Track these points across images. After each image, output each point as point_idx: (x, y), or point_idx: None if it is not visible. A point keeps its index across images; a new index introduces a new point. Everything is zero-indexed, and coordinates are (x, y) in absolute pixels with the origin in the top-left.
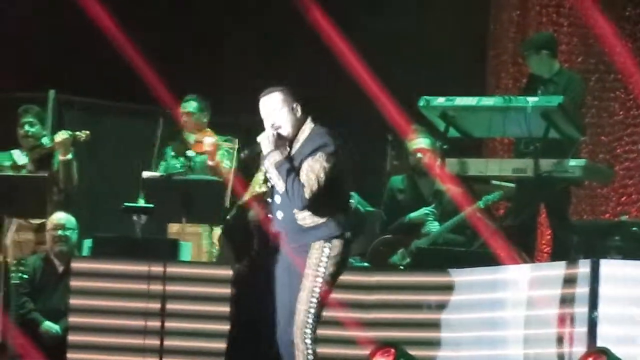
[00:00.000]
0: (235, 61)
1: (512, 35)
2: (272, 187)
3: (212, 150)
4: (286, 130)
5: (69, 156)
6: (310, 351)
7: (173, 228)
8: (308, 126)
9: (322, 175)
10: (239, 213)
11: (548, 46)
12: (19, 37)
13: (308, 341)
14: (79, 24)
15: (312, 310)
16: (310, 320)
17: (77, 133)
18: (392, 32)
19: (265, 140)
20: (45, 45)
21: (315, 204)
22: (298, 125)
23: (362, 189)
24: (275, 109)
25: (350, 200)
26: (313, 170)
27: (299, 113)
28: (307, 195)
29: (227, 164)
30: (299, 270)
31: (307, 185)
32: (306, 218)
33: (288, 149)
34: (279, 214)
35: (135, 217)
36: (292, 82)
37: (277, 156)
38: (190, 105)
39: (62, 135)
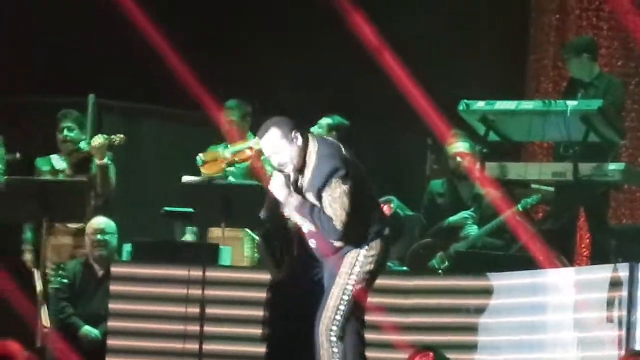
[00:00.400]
0: (271, 64)
1: (552, 40)
2: None
3: (256, 155)
4: (293, 162)
5: (106, 160)
6: (335, 350)
7: (214, 233)
8: (313, 149)
9: (345, 200)
10: (278, 220)
11: (589, 50)
12: (58, 42)
13: (334, 339)
14: (119, 29)
15: (342, 308)
16: (338, 318)
17: (113, 137)
18: (432, 34)
19: (277, 189)
20: (84, 50)
21: (348, 230)
22: (303, 153)
23: (402, 193)
24: (275, 148)
25: (375, 197)
26: (335, 201)
27: (299, 141)
28: (338, 226)
29: (269, 169)
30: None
31: (335, 217)
32: (343, 242)
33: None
34: (312, 243)
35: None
36: (329, 89)
37: (294, 201)
38: (233, 113)
39: (98, 140)
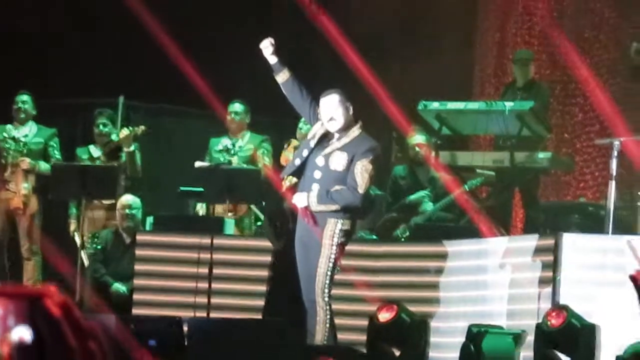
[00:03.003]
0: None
1: (494, 54)
2: (306, 163)
3: (254, 152)
4: (339, 123)
5: (132, 148)
6: (327, 307)
7: (219, 208)
8: (358, 126)
9: (372, 173)
10: (278, 200)
11: (531, 59)
12: (94, 52)
13: (326, 298)
14: (145, 41)
15: (329, 273)
16: (327, 281)
17: (135, 128)
18: (398, 48)
19: (299, 201)
20: (116, 58)
21: (365, 198)
22: (348, 121)
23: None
24: (332, 106)
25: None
26: (367, 170)
27: (350, 111)
28: (361, 191)
29: (266, 160)
30: (316, 242)
31: (361, 182)
32: (360, 204)
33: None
34: (315, 187)
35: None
36: (314, 88)
37: (311, 200)
38: (235, 109)
39: (124, 132)
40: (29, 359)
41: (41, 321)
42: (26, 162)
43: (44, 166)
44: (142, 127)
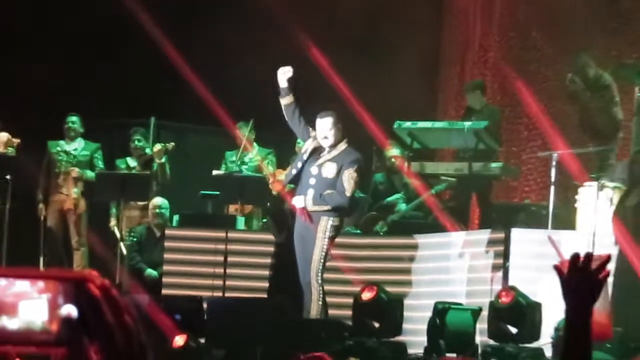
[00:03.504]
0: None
1: (455, 82)
2: (301, 172)
3: (261, 161)
4: (331, 141)
5: (163, 160)
6: (321, 288)
7: (232, 208)
8: (345, 141)
9: (357, 180)
10: (279, 202)
11: (480, 88)
12: (130, 81)
13: (320, 281)
14: (171, 72)
15: (322, 260)
16: (320, 267)
17: (166, 144)
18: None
19: (298, 202)
20: (148, 86)
21: (351, 200)
22: (339, 138)
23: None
24: (327, 127)
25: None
26: (352, 178)
27: (340, 130)
28: (348, 194)
29: (270, 168)
30: (311, 236)
31: (348, 187)
32: (347, 205)
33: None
34: (310, 191)
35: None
36: (308, 112)
37: (308, 202)
38: (244, 130)
39: (157, 147)
40: (74, 332)
41: (85, 300)
42: (75, 171)
43: (89, 174)
44: (172, 144)
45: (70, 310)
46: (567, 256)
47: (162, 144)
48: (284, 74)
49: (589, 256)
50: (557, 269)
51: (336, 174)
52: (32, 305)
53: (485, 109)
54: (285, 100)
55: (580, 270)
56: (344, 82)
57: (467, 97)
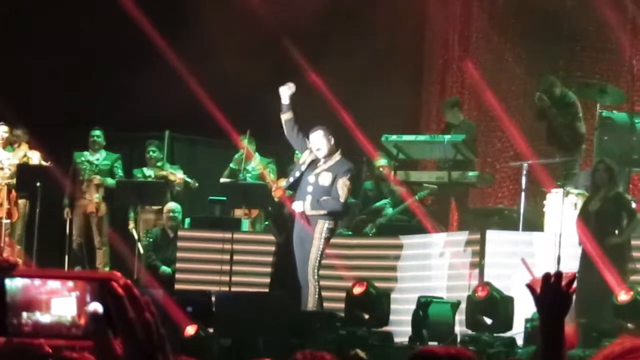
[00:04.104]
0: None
1: (435, 99)
2: (299, 181)
3: (263, 169)
4: (324, 151)
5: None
6: (317, 283)
7: (238, 212)
8: (338, 152)
9: (350, 187)
10: (279, 207)
11: (456, 105)
12: (147, 97)
13: (316, 277)
14: (183, 90)
15: (318, 259)
16: (317, 265)
17: (190, 181)
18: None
19: (297, 207)
20: (163, 103)
21: (344, 205)
22: (331, 149)
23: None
24: (319, 139)
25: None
26: (346, 185)
27: (332, 141)
28: (342, 200)
29: (272, 176)
30: (309, 237)
31: (342, 194)
32: (342, 209)
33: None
34: (308, 197)
35: None
36: (303, 125)
37: (306, 207)
38: (247, 142)
39: (179, 176)
40: (100, 327)
41: (109, 298)
42: (97, 179)
43: (110, 181)
44: (196, 184)
45: (96, 307)
46: (537, 271)
47: (187, 179)
48: (287, 90)
49: (558, 275)
50: (530, 287)
51: (331, 182)
52: (63, 302)
53: (463, 124)
54: (286, 116)
55: (551, 288)
56: (338, 102)
57: (446, 114)
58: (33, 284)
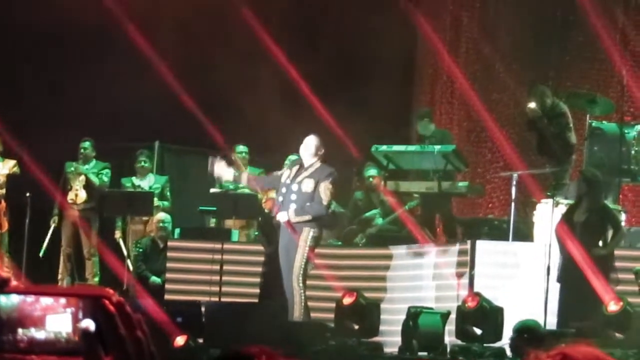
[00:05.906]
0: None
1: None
2: (286, 191)
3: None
4: (311, 159)
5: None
6: (302, 291)
7: (228, 222)
8: (318, 160)
9: (333, 191)
10: (267, 215)
11: (427, 116)
12: (138, 110)
13: (301, 285)
14: (173, 102)
15: (304, 266)
16: (302, 272)
17: (95, 180)
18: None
19: (281, 217)
20: (153, 114)
21: (328, 208)
22: (316, 157)
23: (337, 199)
24: (310, 148)
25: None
26: (328, 189)
27: (321, 150)
28: (325, 203)
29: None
30: (294, 245)
31: (325, 197)
32: (326, 213)
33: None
34: (292, 205)
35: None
36: (295, 141)
37: (290, 215)
38: (240, 150)
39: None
40: (92, 343)
41: (101, 315)
42: (82, 177)
43: (93, 178)
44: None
45: (88, 324)
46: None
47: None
48: (221, 167)
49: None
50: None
51: (314, 188)
52: (58, 319)
53: (436, 134)
54: (245, 180)
55: None
56: (330, 113)
57: (418, 126)
58: (26, 300)
